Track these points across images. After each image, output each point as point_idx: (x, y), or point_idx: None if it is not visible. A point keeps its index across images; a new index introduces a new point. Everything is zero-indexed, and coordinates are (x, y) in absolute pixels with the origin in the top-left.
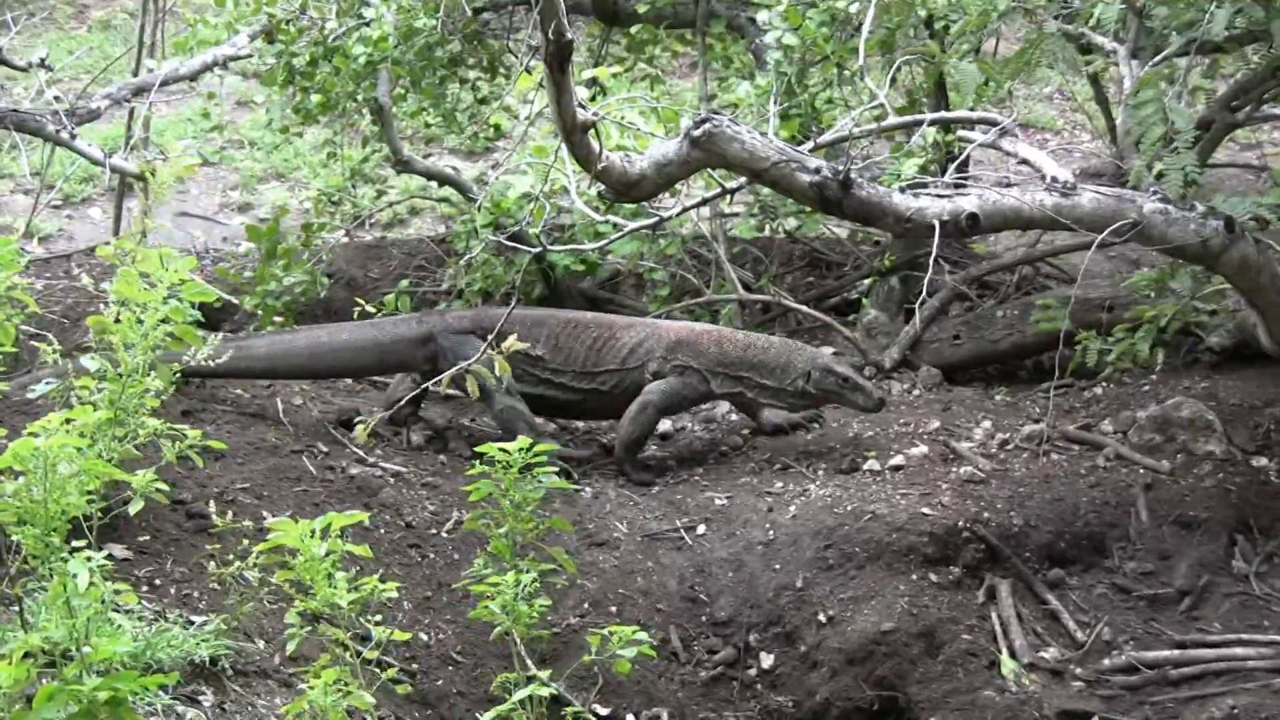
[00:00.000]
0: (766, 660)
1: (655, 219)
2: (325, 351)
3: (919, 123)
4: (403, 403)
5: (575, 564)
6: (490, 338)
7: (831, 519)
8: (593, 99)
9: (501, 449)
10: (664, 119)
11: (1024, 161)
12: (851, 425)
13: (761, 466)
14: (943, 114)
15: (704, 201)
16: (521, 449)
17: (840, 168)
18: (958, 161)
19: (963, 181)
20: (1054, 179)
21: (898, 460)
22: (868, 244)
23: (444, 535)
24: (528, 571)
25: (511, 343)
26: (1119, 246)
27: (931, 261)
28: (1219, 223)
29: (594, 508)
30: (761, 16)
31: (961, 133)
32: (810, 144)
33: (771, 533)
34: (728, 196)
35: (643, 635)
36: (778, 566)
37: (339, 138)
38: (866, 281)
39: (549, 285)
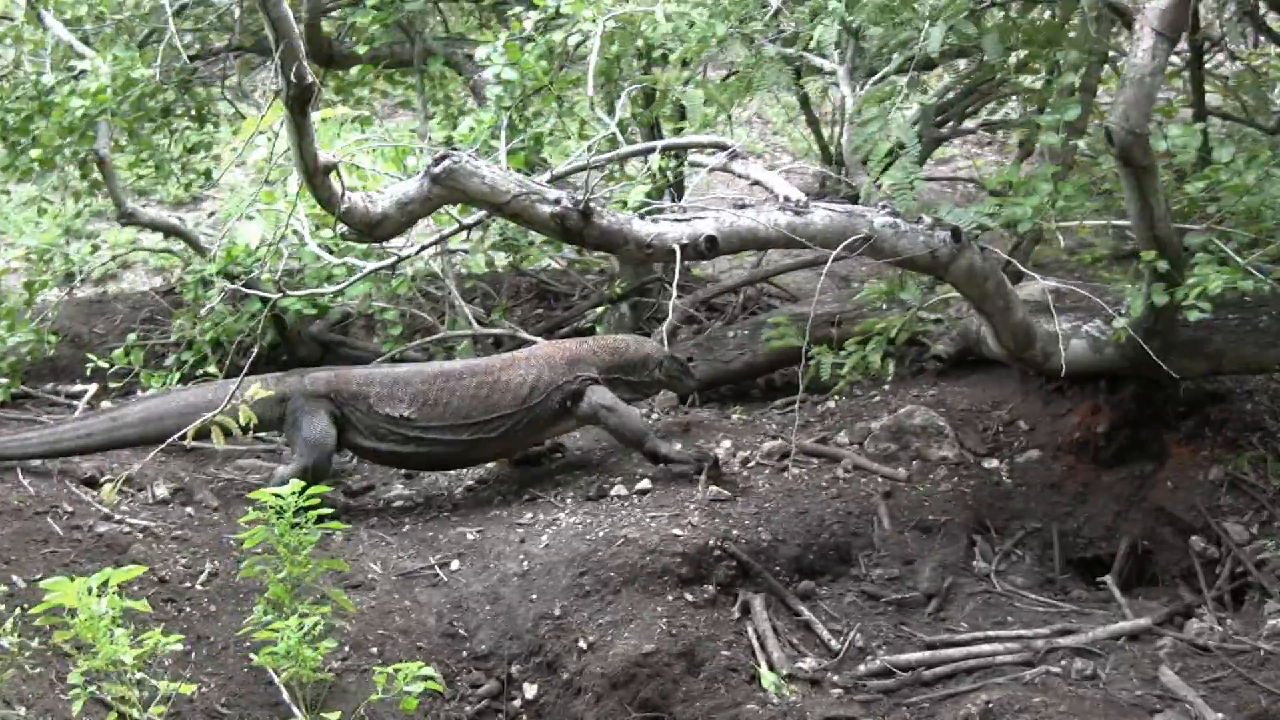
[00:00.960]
0: (530, 690)
1: (394, 258)
2: (193, 413)
3: (652, 149)
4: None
5: (332, 607)
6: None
7: (584, 546)
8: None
9: (274, 494)
10: (390, 158)
11: (756, 183)
12: (595, 452)
13: (509, 498)
14: (676, 139)
15: (443, 238)
16: (294, 493)
17: (580, 198)
18: (692, 187)
19: (675, 205)
20: (786, 198)
21: (644, 484)
22: (591, 273)
23: (199, 588)
24: (309, 615)
25: (256, 390)
26: (833, 265)
27: (675, 285)
28: (946, 233)
29: (347, 550)
30: (480, 52)
31: (693, 157)
32: (547, 175)
33: (526, 564)
34: (464, 232)
35: (429, 670)
36: (535, 597)
37: (56, 193)
38: (598, 310)
39: (281, 331)
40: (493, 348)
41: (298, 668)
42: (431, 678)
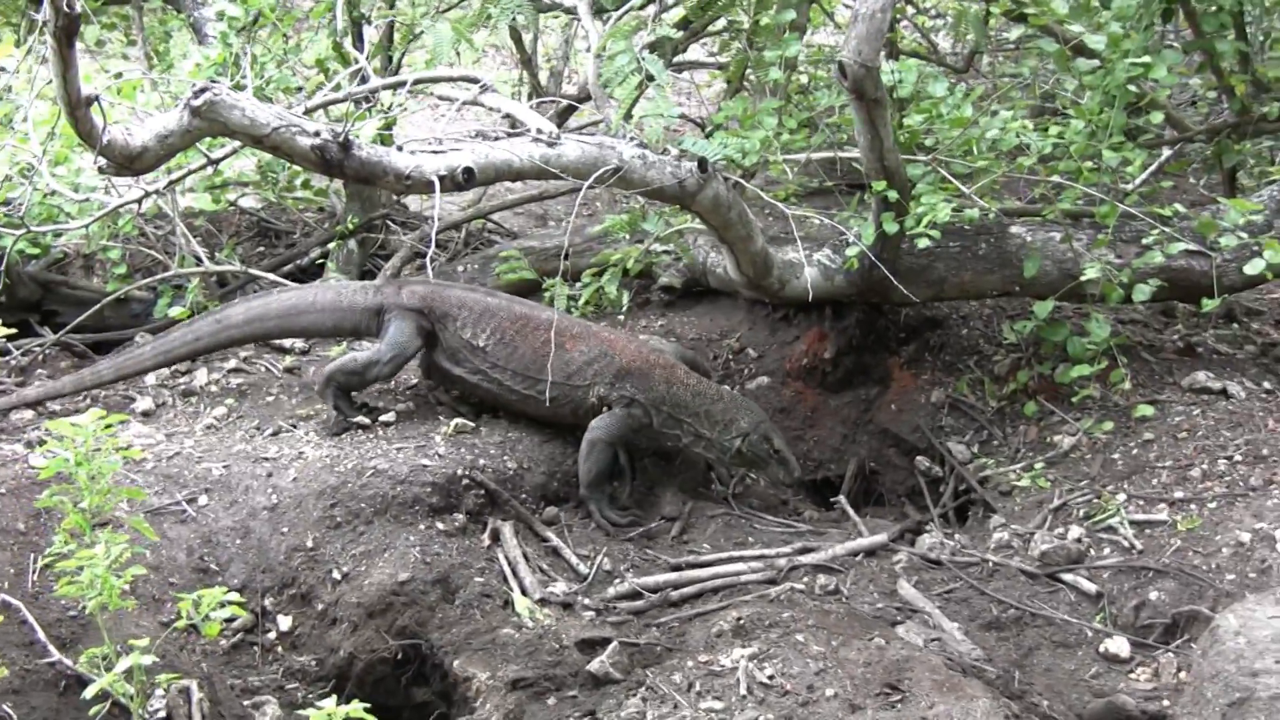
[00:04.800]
0: (285, 622)
1: (143, 193)
2: (295, 313)
3: (404, 83)
4: None
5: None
6: None
7: (334, 478)
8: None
9: (73, 424)
10: (123, 95)
11: (508, 116)
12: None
13: (252, 434)
14: (430, 73)
15: (191, 172)
16: (94, 420)
17: (340, 130)
18: (454, 121)
19: (432, 138)
20: (540, 130)
21: (388, 416)
22: (311, 211)
23: None
24: (115, 543)
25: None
26: (535, 205)
27: (435, 219)
28: (693, 164)
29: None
30: None
31: (440, 91)
32: (303, 108)
33: (275, 497)
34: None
35: (235, 595)
36: (286, 530)
37: None
38: (331, 245)
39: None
40: (217, 286)
41: (103, 596)
42: (239, 604)
